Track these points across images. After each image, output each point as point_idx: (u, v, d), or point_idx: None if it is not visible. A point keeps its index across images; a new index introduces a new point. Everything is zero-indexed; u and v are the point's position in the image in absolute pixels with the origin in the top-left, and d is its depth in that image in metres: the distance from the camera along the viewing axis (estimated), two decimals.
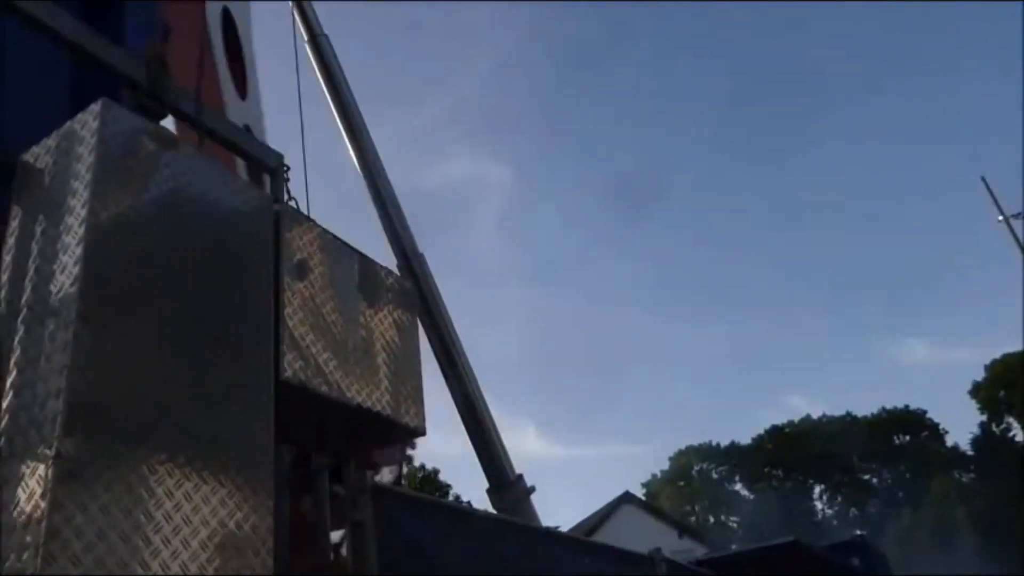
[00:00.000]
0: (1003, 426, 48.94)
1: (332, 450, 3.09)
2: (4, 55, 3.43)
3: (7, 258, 2.43)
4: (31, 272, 2.35)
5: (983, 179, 23.27)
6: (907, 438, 54.44)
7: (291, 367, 2.66)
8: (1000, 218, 22.74)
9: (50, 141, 2.55)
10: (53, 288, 2.25)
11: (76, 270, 2.21)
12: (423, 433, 3.10)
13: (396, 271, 5.03)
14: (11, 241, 2.44)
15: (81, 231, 2.26)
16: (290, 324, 2.73)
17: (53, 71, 3.84)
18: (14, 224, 2.47)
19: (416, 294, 3.64)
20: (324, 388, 2.74)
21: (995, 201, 22.72)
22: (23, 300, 2.32)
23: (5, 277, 2.40)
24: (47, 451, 1.94)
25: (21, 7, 3.00)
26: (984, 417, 49.57)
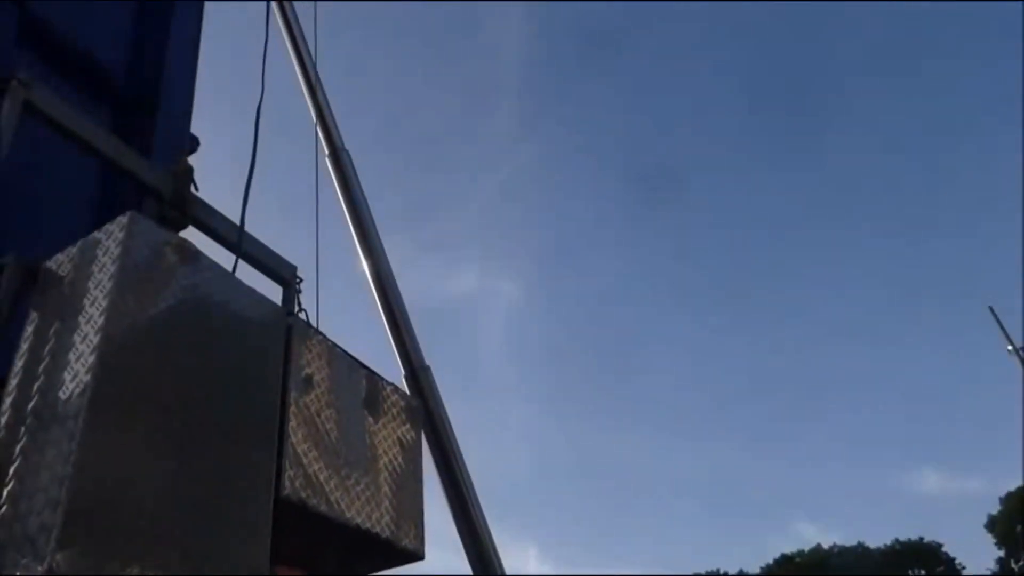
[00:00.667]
0: (1022, 563, 47.25)
1: (326, 571, 3.01)
2: (32, 161, 3.56)
3: (18, 363, 2.45)
4: (41, 378, 2.36)
5: (991, 309, 23.35)
6: (922, 572, 52.48)
7: (291, 484, 2.63)
8: (1009, 348, 22.69)
9: (74, 249, 2.61)
10: (62, 395, 2.26)
11: (87, 378, 2.22)
12: (422, 557, 3.02)
13: (403, 382, 5.03)
14: (24, 347, 2.47)
15: (96, 339, 2.29)
16: (293, 440, 2.72)
17: (80, 178, 3.98)
18: (29, 330, 2.50)
19: (422, 411, 3.62)
20: (323, 507, 2.70)
21: (1004, 331, 22.72)
22: (30, 407, 2.32)
23: (14, 382, 2.42)
24: (39, 567, 1.90)
25: (52, 116, 3.14)
26: (1002, 552, 47.95)
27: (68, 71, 4.19)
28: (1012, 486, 45.22)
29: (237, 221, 3.37)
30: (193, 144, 4.45)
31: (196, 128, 4.77)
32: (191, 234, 3.51)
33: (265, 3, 5.26)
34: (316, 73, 5.66)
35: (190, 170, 3.26)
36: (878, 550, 52.60)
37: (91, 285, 2.43)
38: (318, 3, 6.11)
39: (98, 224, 2.63)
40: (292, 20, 5.78)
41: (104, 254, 2.48)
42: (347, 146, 5.63)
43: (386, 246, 5.29)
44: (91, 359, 2.25)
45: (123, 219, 2.51)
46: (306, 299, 3.66)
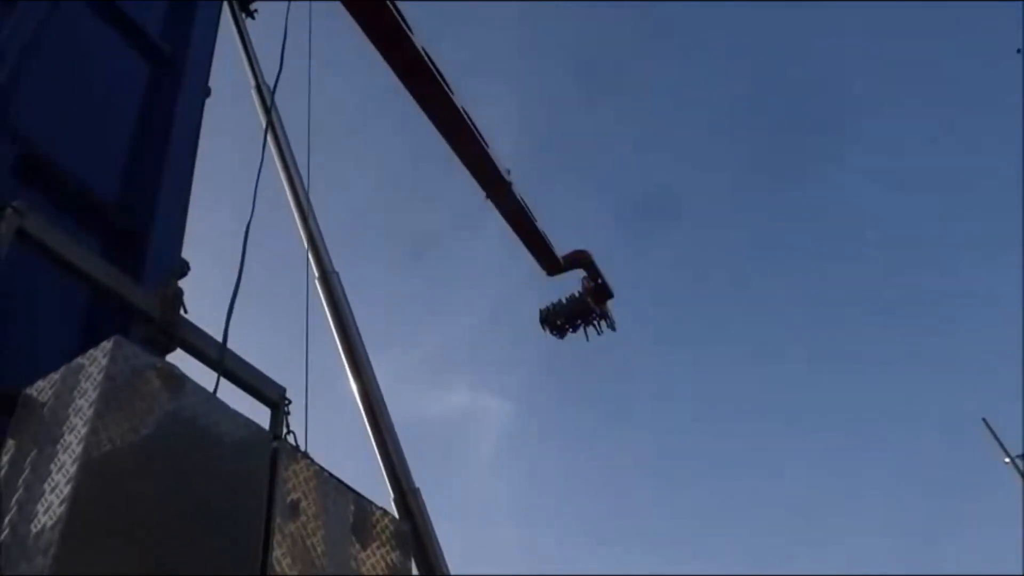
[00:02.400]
0: None
1: None
2: (23, 285, 3.56)
3: None
4: (13, 510, 2.27)
5: (984, 420, 23.12)
6: None
7: None
8: (1007, 459, 22.34)
9: (56, 375, 2.57)
10: (34, 528, 2.16)
11: (60, 510, 2.14)
12: None
13: (392, 505, 4.89)
14: None
15: (73, 469, 2.21)
16: (279, 569, 2.60)
17: (70, 301, 3.97)
18: (4, 459, 2.43)
19: (411, 536, 3.49)
20: None
21: (999, 443, 22.44)
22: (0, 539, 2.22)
23: None
24: None
25: (45, 243, 3.16)
26: None
27: (63, 200, 4.27)
28: None
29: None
30: (183, 268, 4.47)
31: (191, 246, 4.82)
32: (180, 356, 3.49)
33: (264, 130, 5.44)
34: (308, 199, 5.79)
35: (179, 294, 3.26)
36: None
37: (71, 412, 2.38)
38: (311, 122, 6.31)
39: (85, 347, 2.60)
40: (284, 147, 5.96)
41: (86, 380, 2.44)
42: (337, 264, 5.70)
43: (377, 361, 5.27)
44: (66, 490, 2.17)
45: (107, 344, 2.49)
46: (296, 420, 3.60)
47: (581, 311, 15.06)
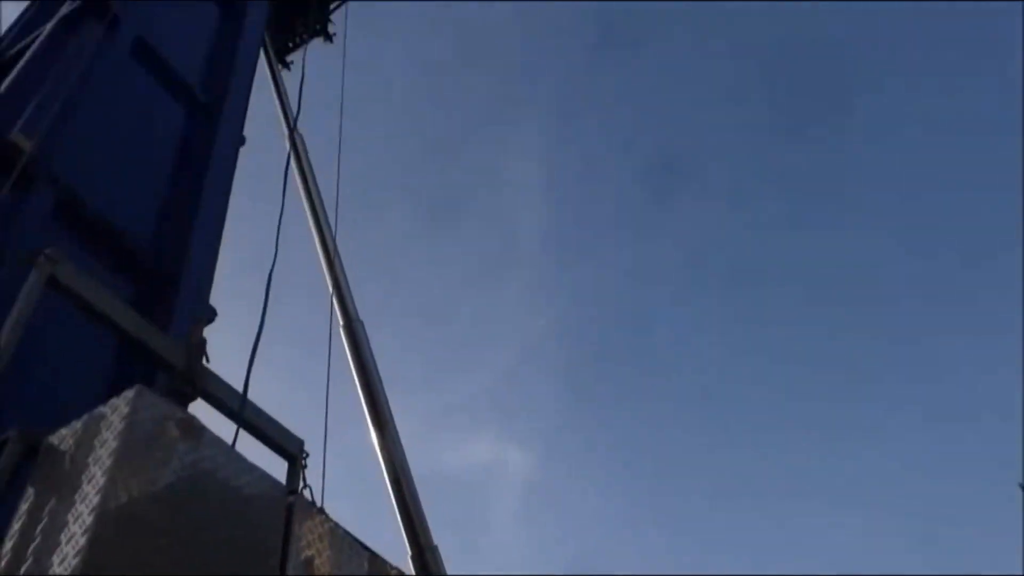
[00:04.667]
0: None
1: None
2: (49, 329, 3.60)
3: (8, 544, 2.36)
4: (30, 560, 2.27)
5: (1021, 487, 22.36)
6: None
7: None
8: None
9: (78, 423, 2.58)
10: None
11: (75, 562, 2.13)
12: None
13: (409, 563, 4.81)
14: (16, 525, 2.38)
15: (90, 520, 2.21)
16: None
17: (97, 348, 4.02)
18: (23, 507, 2.43)
19: None
20: None
21: None
22: None
23: (2, 564, 2.31)
24: None
25: (75, 291, 3.20)
26: None
27: (96, 244, 4.35)
28: None
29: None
30: (210, 315, 4.53)
31: (218, 294, 4.87)
32: (202, 404, 3.50)
33: (284, 172, 5.52)
34: (335, 245, 5.84)
35: (203, 343, 3.29)
36: None
37: (91, 461, 2.38)
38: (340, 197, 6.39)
39: (110, 394, 2.62)
40: (313, 191, 6.04)
41: (107, 429, 2.44)
42: (362, 312, 5.71)
43: (400, 411, 5.25)
44: (82, 541, 2.16)
45: (129, 393, 2.50)
46: (313, 472, 3.58)
47: None
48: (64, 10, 5.24)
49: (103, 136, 4.82)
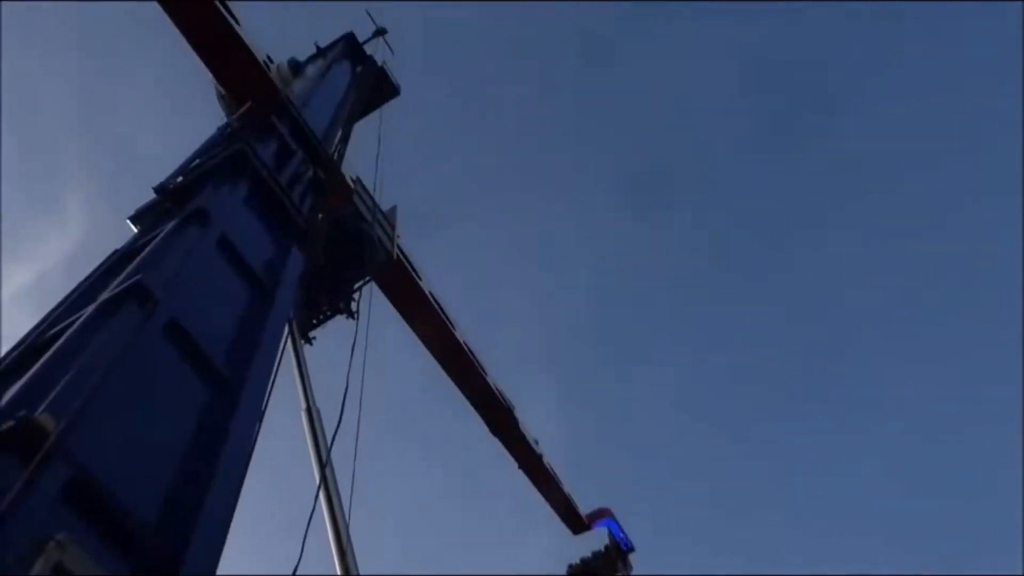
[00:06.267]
0: None
1: None
2: None
3: None
4: None
5: None
6: None
7: None
8: None
9: None
10: None
11: None
12: None
13: None
14: None
15: None
16: None
17: None
18: None
19: None
20: None
21: None
22: None
23: None
24: None
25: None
26: None
27: (99, 523, 4.20)
28: None
29: None
30: None
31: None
32: None
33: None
34: (349, 536, 5.67)
35: None
36: None
37: None
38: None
39: None
40: (330, 478, 5.97)
41: None
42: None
43: None
44: None
45: None
46: None
47: (608, 565, 16.07)
48: (106, 294, 5.52)
49: (121, 411, 4.82)
